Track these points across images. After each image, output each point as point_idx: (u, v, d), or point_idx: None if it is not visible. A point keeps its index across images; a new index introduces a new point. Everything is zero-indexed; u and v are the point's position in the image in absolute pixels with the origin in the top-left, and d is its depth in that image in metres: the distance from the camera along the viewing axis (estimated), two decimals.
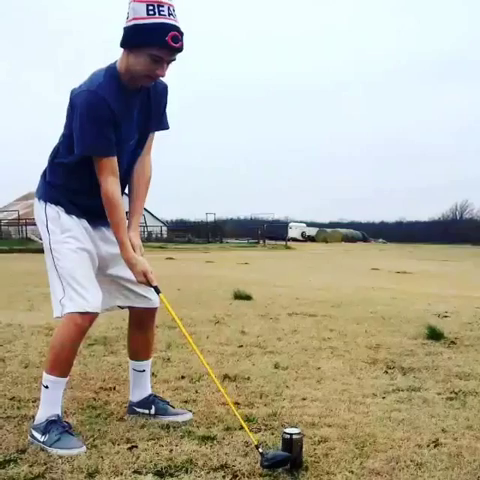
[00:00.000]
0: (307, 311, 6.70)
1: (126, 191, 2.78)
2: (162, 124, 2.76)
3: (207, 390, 3.36)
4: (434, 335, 5.02)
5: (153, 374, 3.37)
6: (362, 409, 3.05)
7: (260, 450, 2.30)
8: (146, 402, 2.91)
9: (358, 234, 63.09)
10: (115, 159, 2.53)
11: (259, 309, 6.84)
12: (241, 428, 2.66)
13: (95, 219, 2.66)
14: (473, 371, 3.88)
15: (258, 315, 6.38)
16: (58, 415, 2.56)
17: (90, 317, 2.54)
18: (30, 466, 2.28)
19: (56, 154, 2.66)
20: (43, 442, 2.47)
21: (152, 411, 2.89)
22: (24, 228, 35.42)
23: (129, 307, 2.86)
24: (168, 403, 2.96)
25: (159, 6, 2.36)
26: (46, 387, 2.56)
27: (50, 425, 2.50)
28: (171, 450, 2.45)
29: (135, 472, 2.24)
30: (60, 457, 2.36)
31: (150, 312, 2.86)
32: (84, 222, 2.65)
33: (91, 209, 2.62)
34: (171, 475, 2.23)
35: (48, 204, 2.64)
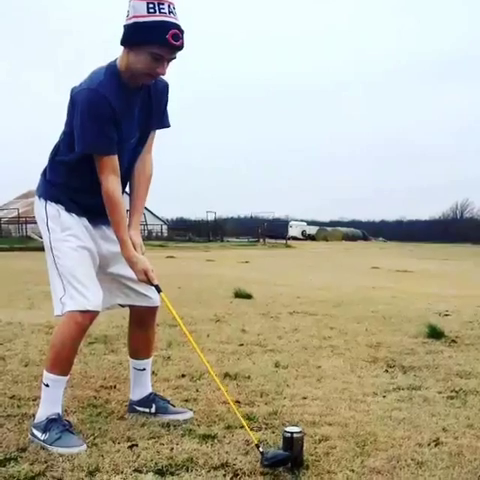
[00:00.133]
0: (308, 310, 6.70)
1: (127, 190, 2.78)
2: (163, 122, 2.76)
3: (208, 389, 3.36)
4: (435, 334, 5.02)
5: (154, 372, 3.37)
6: (363, 408, 3.05)
7: (260, 449, 2.30)
8: (147, 401, 2.91)
9: (358, 233, 63.10)
10: (116, 157, 2.53)
11: (260, 308, 6.84)
12: (242, 427, 2.65)
13: (95, 217, 2.66)
14: (474, 370, 3.88)
15: (259, 314, 6.38)
16: (58, 413, 2.56)
17: (91, 315, 2.54)
18: (31, 464, 2.28)
19: (57, 152, 2.66)
20: (43, 440, 2.47)
21: (152, 410, 2.88)
22: (24, 226, 35.42)
23: (130, 306, 2.86)
24: (168, 402, 2.95)
25: (159, 4, 2.36)
26: (46, 385, 2.56)
27: (50, 423, 2.50)
28: (172, 449, 2.45)
29: (135, 471, 2.24)
30: (60, 455, 2.36)
31: (151, 311, 2.86)
32: (84, 220, 2.64)
33: (92, 207, 2.62)
34: (172, 474, 2.23)
35: (48, 202, 2.64)
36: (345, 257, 23.76)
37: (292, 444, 2.27)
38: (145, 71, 2.46)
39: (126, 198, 2.69)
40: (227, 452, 2.42)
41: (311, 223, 66.83)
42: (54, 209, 2.62)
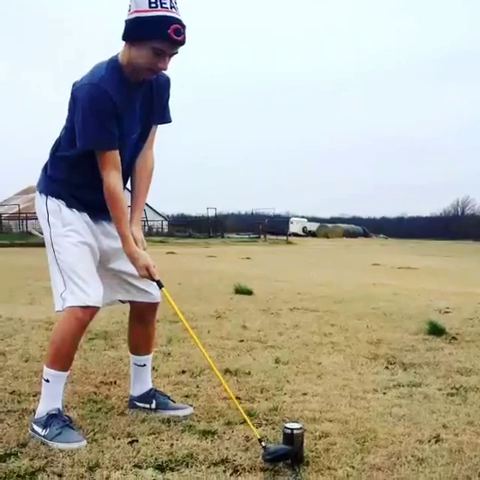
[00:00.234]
0: (308, 306, 6.70)
1: (128, 186, 2.77)
2: (164, 117, 2.75)
3: (208, 385, 3.36)
4: (435, 331, 5.01)
5: (154, 368, 3.37)
6: (363, 404, 3.05)
7: (263, 444, 2.30)
8: (147, 396, 2.91)
9: (359, 229, 63.04)
10: (117, 153, 2.52)
11: (260, 304, 6.84)
12: (242, 422, 2.66)
13: (96, 213, 2.65)
14: (474, 367, 3.87)
15: (259, 310, 6.38)
16: (59, 409, 2.56)
17: (91, 311, 2.54)
18: (31, 460, 2.28)
19: (57, 147, 2.65)
20: (44, 436, 2.47)
21: (153, 405, 2.89)
22: (25, 222, 35.40)
23: (130, 301, 2.86)
24: (169, 397, 2.95)
25: None
26: (47, 381, 2.56)
27: (51, 419, 2.50)
28: (172, 444, 2.45)
29: (135, 466, 2.24)
30: (61, 451, 2.36)
31: (151, 307, 2.85)
32: (85, 216, 2.64)
33: (93, 203, 2.61)
34: (172, 469, 2.23)
35: (49, 198, 2.63)
36: (346, 254, 23.76)
37: (292, 440, 2.27)
38: (147, 66, 2.45)
39: (127, 194, 2.68)
40: (227, 448, 2.42)
41: (312, 220, 66.80)
42: (55, 204, 2.62)
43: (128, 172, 2.69)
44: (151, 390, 2.93)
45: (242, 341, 4.65)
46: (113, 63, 2.51)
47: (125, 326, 3.74)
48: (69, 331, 2.53)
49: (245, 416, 2.48)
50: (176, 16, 2.37)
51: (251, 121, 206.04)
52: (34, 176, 2.82)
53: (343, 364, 3.96)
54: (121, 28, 2.44)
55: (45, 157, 2.72)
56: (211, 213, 50.87)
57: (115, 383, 3.37)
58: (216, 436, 2.56)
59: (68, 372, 2.62)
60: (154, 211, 51.31)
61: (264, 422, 2.76)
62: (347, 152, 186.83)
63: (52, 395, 2.56)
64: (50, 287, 2.64)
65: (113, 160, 2.51)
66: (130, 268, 2.67)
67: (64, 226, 2.59)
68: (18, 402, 3.00)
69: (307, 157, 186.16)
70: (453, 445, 2.49)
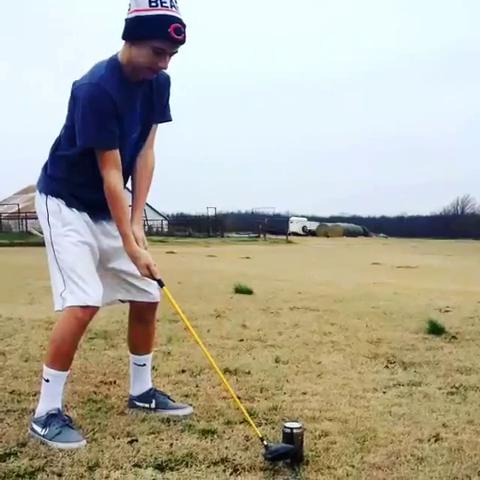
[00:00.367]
0: (308, 305, 6.70)
1: (128, 186, 2.77)
2: (165, 116, 2.74)
3: (207, 384, 3.36)
4: (435, 330, 5.01)
5: (154, 368, 3.37)
6: (363, 403, 3.05)
7: (265, 443, 2.30)
8: (146, 396, 2.91)
9: (359, 229, 63.04)
10: (117, 152, 2.52)
11: (260, 303, 6.84)
12: (241, 422, 2.66)
13: (96, 213, 2.65)
14: (474, 366, 3.87)
15: (259, 309, 6.38)
16: (58, 409, 2.56)
17: (91, 311, 2.54)
18: (30, 459, 2.28)
19: (57, 146, 2.65)
20: (43, 435, 2.47)
21: (152, 405, 2.88)
22: (24, 222, 35.41)
23: (130, 301, 2.85)
24: (168, 397, 2.95)
25: None
26: (47, 381, 2.55)
27: (50, 419, 2.50)
28: (171, 444, 2.45)
29: (135, 466, 2.24)
30: (60, 450, 2.36)
31: (151, 306, 2.85)
32: (85, 216, 2.64)
33: (92, 202, 2.61)
34: (171, 469, 2.22)
35: (49, 197, 2.63)
36: (346, 253, 23.76)
37: (292, 439, 2.27)
38: (147, 65, 2.44)
39: (128, 194, 2.68)
40: (227, 447, 2.42)
41: (312, 219, 66.78)
42: (55, 204, 2.62)
43: (128, 171, 2.68)
44: (151, 390, 2.93)
45: (242, 340, 4.65)
46: (113, 62, 2.51)
47: (125, 325, 3.74)
48: (69, 331, 2.53)
49: (246, 415, 2.48)
50: (176, 15, 2.36)
51: (251, 121, 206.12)
52: (34, 175, 2.82)
53: (343, 363, 3.96)
54: (121, 27, 2.43)
55: (45, 156, 2.71)
56: (211, 212, 50.94)
57: (115, 383, 3.37)
58: (216, 435, 2.56)
59: (68, 372, 2.62)
60: (154, 210, 51.29)
61: (264, 421, 2.76)
62: (347, 151, 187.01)
63: (52, 395, 2.56)
64: (50, 287, 2.64)
65: (113, 159, 2.51)
66: (130, 268, 2.67)
67: (64, 226, 2.59)
68: (18, 402, 3.00)
69: (307, 156, 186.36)
70: (453, 444, 2.49)
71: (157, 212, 52.68)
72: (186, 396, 3.14)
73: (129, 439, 2.50)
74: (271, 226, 47.66)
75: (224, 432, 2.60)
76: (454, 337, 4.87)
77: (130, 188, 2.77)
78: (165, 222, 51.89)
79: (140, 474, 2.17)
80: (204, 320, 5.56)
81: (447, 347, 4.50)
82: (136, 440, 2.49)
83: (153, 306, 2.86)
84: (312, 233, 57.71)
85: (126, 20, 2.41)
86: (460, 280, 10.98)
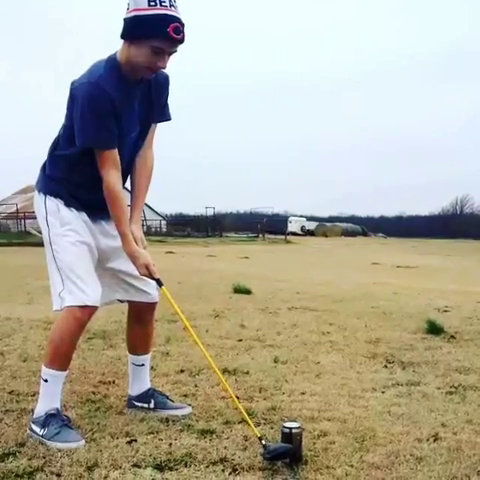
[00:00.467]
0: (307, 305, 6.70)
1: (127, 186, 2.76)
2: (164, 115, 2.74)
3: (206, 384, 3.36)
4: (434, 329, 5.02)
5: (152, 368, 3.37)
6: (361, 403, 3.05)
7: (263, 442, 2.30)
8: (145, 396, 2.91)
9: (358, 228, 63.12)
10: (116, 151, 2.51)
11: (259, 303, 6.84)
12: (240, 422, 2.66)
13: (95, 212, 2.65)
14: (473, 365, 3.88)
15: (258, 309, 6.38)
16: (57, 409, 2.55)
17: (89, 311, 2.53)
18: (29, 459, 2.27)
19: (56, 146, 2.64)
20: (42, 435, 2.47)
21: (151, 405, 2.88)
22: (23, 221, 35.37)
23: (129, 301, 2.85)
24: (167, 397, 2.95)
25: None
26: (45, 381, 2.55)
27: (49, 419, 2.50)
28: (170, 444, 2.45)
29: (134, 466, 2.24)
30: (59, 450, 2.36)
31: (150, 306, 2.85)
32: (83, 215, 2.63)
33: (91, 202, 2.61)
34: (170, 469, 2.22)
35: (47, 197, 2.63)
36: (346, 253, 23.76)
37: (291, 439, 2.27)
38: (146, 65, 2.44)
39: (127, 194, 2.67)
40: (226, 447, 2.42)
41: (310, 219, 66.82)
42: (53, 203, 2.61)
43: (127, 171, 2.68)
44: (149, 389, 2.93)
45: (241, 340, 4.65)
46: (111, 61, 2.50)
47: (123, 325, 3.74)
48: (67, 330, 2.52)
49: (245, 415, 2.48)
50: (175, 14, 2.36)
51: (250, 120, 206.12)
52: (32, 175, 2.81)
53: (342, 363, 3.96)
54: (120, 24, 2.43)
55: (44, 156, 2.71)
56: (210, 212, 50.92)
57: (113, 382, 3.36)
58: (215, 435, 2.56)
59: (66, 372, 2.62)
60: (153, 210, 51.25)
61: (263, 421, 2.76)
62: (346, 151, 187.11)
63: (50, 395, 2.56)
64: (48, 286, 2.64)
65: (112, 159, 2.51)
66: (129, 268, 2.66)
67: (62, 225, 2.59)
68: (16, 402, 3.00)
69: (306, 156, 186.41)
70: (452, 444, 2.49)
71: (156, 212, 52.63)
72: (185, 396, 3.14)
73: (128, 439, 2.50)
74: (270, 226, 47.67)
75: (223, 432, 2.60)
76: (453, 337, 4.87)
77: (129, 188, 2.77)
78: (164, 222, 51.86)
79: (139, 474, 2.17)
80: (203, 320, 5.56)
81: (446, 347, 4.50)
82: (135, 440, 2.48)
83: (152, 306, 2.85)
84: (311, 233, 57.72)
85: (125, 19, 2.41)
86: (459, 280, 10.99)
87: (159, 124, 2.75)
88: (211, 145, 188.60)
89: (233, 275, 10.08)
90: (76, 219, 2.60)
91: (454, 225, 64.28)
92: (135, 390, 2.93)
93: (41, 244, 2.74)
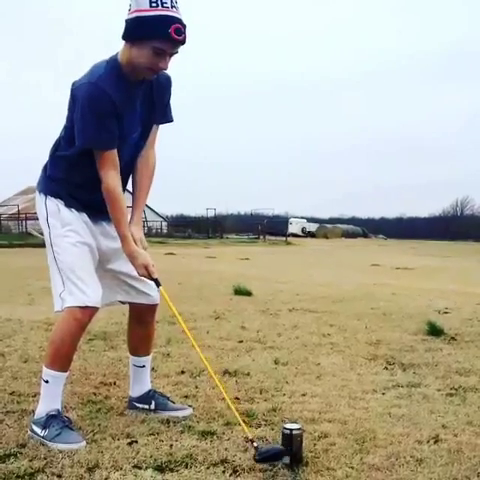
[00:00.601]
0: (308, 307, 6.70)
1: (128, 187, 2.76)
2: (166, 117, 2.74)
3: (207, 385, 3.36)
4: (434, 331, 5.02)
5: (153, 369, 3.37)
6: (362, 405, 3.05)
7: (255, 444, 2.29)
8: (146, 397, 2.91)
9: (358, 230, 63.05)
10: (116, 152, 2.51)
11: (259, 305, 6.84)
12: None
13: (95, 213, 2.65)
14: (473, 367, 3.88)
15: (258, 310, 6.38)
16: (58, 410, 2.55)
17: (90, 312, 2.54)
18: (30, 461, 2.28)
19: (57, 147, 2.65)
20: (43, 437, 2.47)
21: (152, 406, 2.88)
22: (24, 223, 35.38)
23: (129, 303, 2.85)
24: (168, 398, 2.95)
25: None
26: (46, 382, 2.55)
27: (50, 420, 2.50)
28: (171, 445, 2.45)
29: (135, 467, 2.24)
30: (60, 452, 2.36)
31: (150, 308, 2.85)
32: (84, 216, 2.63)
33: (92, 203, 2.61)
34: (171, 470, 2.23)
35: (48, 197, 2.63)
36: (346, 254, 23.75)
37: (291, 441, 2.27)
38: (147, 66, 2.44)
39: (127, 196, 2.67)
40: (226, 449, 2.42)
41: (311, 220, 66.83)
42: (54, 204, 2.61)
43: (128, 171, 2.68)
44: (150, 391, 2.93)
45: (241, 342, 4.65)
46: (112, 62, 2.51)
47: (124, 327, 3.74)
48: (68, 332, 2.53)
49: (238, 418, 2.45)
50: (177, 15, 2.36)
51: (251, 121, 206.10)
52: (34, 176, 2.82)
53: (342, 365, 3.96)
54: (121, 28, 2.44)
55: (45, 157, 2.71)
56: (210, 214, 50.93)
57: (114, 384, 3.37)
58: (215, 437, 2.56)
59: (67, 373, 2.62)
60: (154, 212, 51.25)
61: (263, 423, 2.76)
62: (346, 152, 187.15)
63: (51, 396, 2.56)
64: (49, 287, 2.64)
65: (112, 160, 2.51)
66: (129, 269, 2.66)
67: (63, 226, 2.59)
68: (17, 403, 3.00)
69: (306, 157, 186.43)
70: (452, 445, 2.49)
71: (156, 213, 52.64)
72: (186, 397, 3.14)
73: (129, 440, 2.50)
74: (270, 227, 47.68)
75: (224, 433, 2.61)
76: (453, 338, 4.87)
77: (130, 189, 2.77)
78: (165, 223, 51.86)
79: (140, 475, 2.17)
80: (203, 321, 5.56)
81: (446, 348, 4.50)
82: (136, 441, 2.49)
83: (153, 308, 2.85)
84: (311, 234, 57.71)
85: (126, 20, 2.41)
86: (459, 281, 10.98)
87: (161, 125, 2.75)
88: (212, 145, 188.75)
89: (233, 276, 10.07)
90: (77, 220, 2.61)
91: (454, 227, 64.27)
92: (136, 391, 2.93)
93: (42, 245, 2.74)
